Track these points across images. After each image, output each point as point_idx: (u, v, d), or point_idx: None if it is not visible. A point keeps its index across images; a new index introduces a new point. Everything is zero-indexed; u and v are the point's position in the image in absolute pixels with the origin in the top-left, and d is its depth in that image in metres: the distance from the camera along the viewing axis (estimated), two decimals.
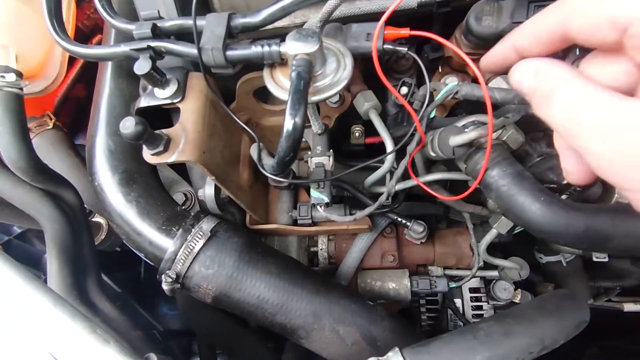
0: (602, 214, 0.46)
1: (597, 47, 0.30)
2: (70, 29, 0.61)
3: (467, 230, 0.79)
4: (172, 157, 0.49)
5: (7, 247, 0.71)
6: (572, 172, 0.35)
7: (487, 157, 0.48)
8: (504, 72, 0.37)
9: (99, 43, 0.94)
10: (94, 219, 0.78)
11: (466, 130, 0.53)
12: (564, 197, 0.59)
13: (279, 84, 0.48)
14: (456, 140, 0.51)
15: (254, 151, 0.54)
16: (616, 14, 0.25)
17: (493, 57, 0.38)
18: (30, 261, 0.71)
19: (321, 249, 0.82)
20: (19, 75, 0.53)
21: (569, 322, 0.53)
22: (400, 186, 0.67)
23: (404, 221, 0.75)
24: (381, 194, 0.70)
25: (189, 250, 0.53)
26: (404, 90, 0.60)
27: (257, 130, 0.70)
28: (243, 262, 0.55)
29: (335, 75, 0.47)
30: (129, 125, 0.44)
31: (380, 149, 0.73)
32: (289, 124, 0.41)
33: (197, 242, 0.54)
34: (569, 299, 0.56)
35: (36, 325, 0.39)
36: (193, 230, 0.55)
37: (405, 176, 0.69)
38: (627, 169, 0.25)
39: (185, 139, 0.50)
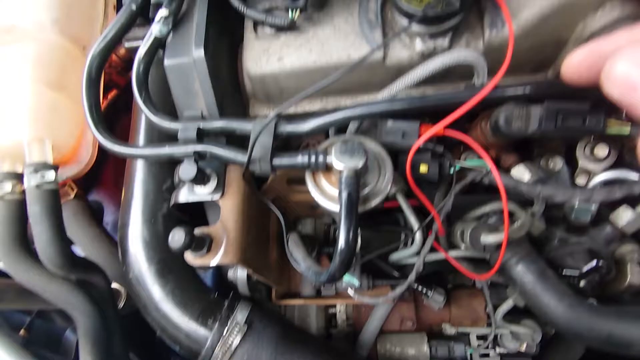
0: (625, 319, 0.48)
1: None
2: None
3: (480, 292, 0.82)
4: (215, 260, 0.50)
5: (30, 328, 0.70)
6: None
7: (501, 255, 0.53)
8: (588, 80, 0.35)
9: (114, 98, 0.94)
10: (112, 286, 0.77)
11: (493, 223, 0.56)
12: (582, 282, 0.62)
13: (323, 190, 0.49)
14: (488, 239, 0.53)
15: (306, 271, 0.52)
16: None
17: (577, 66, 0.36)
18: (52, 344, 0.70)
19: (339, 311, 0.83)
20: (56, 169, 0.52)
21: None
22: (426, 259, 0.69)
23: (425, 290, 0.77)
24: (403, 265, 0.72)
25: (227, 347, 0.53)
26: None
27: (285, 202, 0.71)
28: (279, 355, 0.55)
29: (377, 185, 0.49)
30: (178, 239, 0.44)
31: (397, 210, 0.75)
32: (342, 242, 0.41)
33: (234, 337, 0.54)
34: None
35: None
36: (229, 322, 0.55)
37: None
38: None
39: (227, 238, 0.51)
